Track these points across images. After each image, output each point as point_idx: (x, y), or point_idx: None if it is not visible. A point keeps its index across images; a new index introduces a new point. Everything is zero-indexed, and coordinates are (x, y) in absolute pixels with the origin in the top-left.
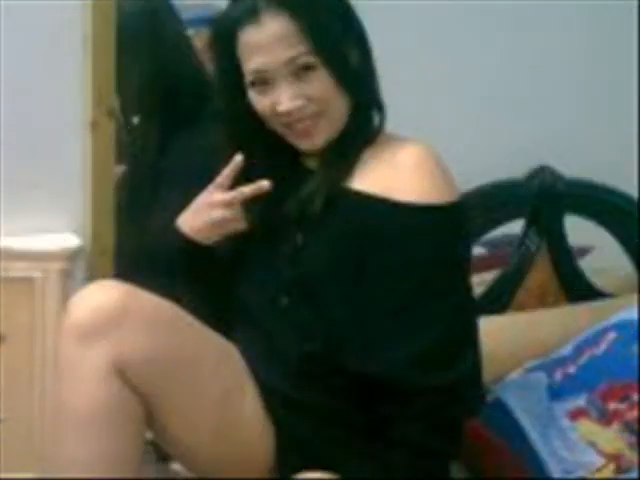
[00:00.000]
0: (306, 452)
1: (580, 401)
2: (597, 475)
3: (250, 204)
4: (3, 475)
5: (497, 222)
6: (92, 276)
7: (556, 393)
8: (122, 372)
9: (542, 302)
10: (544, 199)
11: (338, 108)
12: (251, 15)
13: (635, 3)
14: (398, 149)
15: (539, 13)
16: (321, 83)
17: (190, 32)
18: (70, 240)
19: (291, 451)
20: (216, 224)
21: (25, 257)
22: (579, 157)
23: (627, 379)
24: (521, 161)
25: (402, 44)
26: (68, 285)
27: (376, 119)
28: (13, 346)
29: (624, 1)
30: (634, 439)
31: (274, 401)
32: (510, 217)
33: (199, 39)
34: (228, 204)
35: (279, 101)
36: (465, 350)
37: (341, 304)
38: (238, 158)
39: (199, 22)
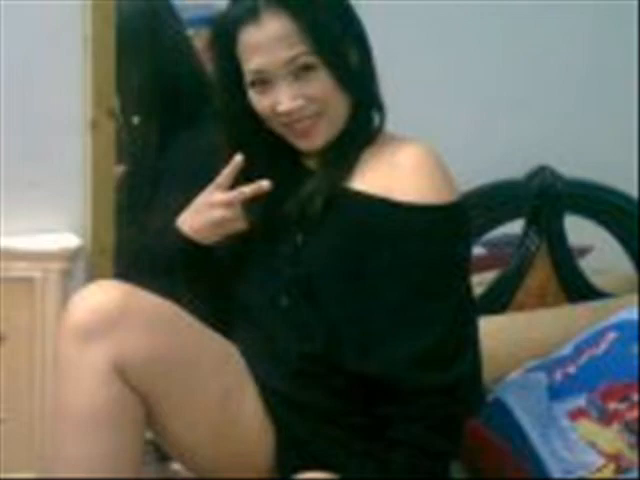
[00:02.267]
0: (306, 452)
1: (580, 401)
2: (597, 475)
3: (250, 204)
4: (3, 475)
5: (497, 222)
6: (92, 276)
7: (556, 393)
8: (122, 372)
9: (542, 302)
10: (544, 199)
11: (338, 108)
12: (251, 15)
13: (635, 3)
14: (398, 149)
15: (539, 13)
16: (321, 83)
17: (190, 32)
18: (70, 240)
19: (291, 451)
20: (216, 224)
21: (25, 257)
22: (579, 157)
23: (627, 379)
24: (521, 161)
25: (402, 44)
26: (68, 285)
27: (376, 119)
28: (13, 346)
29: (624, 1)
30: (634, 439)
31: (274, 401)
32: (510, 217)
33: (199, 39)
34: (228, 204)
35: (279, 101)
36: (465, 350)
37: (341, 304)
38: (238, 158)
39: (199, 22)
